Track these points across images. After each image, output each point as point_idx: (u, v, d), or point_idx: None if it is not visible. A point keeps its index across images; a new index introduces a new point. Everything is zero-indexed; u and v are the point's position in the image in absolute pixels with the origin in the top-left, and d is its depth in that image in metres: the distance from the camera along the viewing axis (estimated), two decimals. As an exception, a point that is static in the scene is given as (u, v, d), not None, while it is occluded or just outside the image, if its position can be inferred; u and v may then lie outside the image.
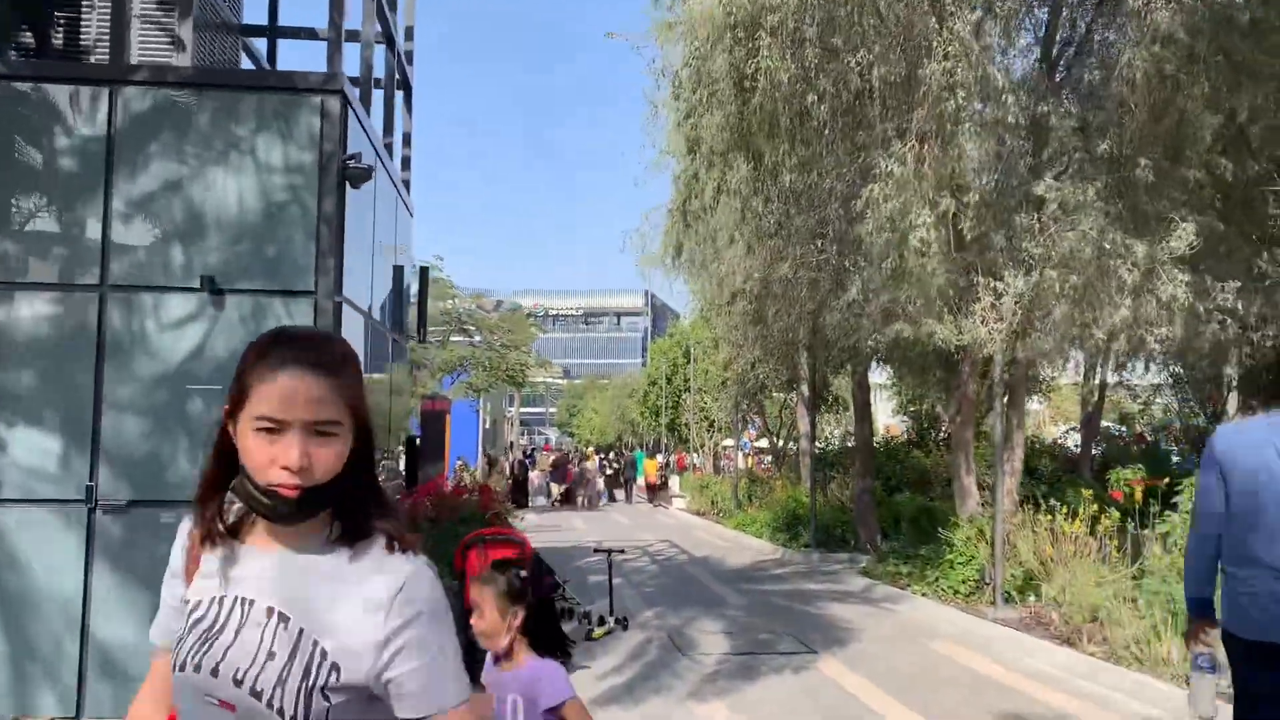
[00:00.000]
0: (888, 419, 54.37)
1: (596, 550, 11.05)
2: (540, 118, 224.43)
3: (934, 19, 8.96)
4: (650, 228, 18.36)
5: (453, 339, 28.52)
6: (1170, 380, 25.59)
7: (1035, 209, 10.27)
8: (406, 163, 11.69)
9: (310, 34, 11.04)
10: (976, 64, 8.88)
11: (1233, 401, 24.94)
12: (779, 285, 12.55)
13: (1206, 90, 8.54)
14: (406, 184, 11.65)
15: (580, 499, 32.39)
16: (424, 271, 11.34)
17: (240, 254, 7.18)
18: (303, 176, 7.24)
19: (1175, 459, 23.53)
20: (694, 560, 17.41)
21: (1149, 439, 25.93)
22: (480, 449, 36.57)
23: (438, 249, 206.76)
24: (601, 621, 10.29)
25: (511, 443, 73.29)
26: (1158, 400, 28.91)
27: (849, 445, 32.25)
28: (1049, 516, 10.88)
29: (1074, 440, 28.84)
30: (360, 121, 7.87)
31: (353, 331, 7.98)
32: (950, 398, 12.84)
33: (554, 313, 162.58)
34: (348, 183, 7.35)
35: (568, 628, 10.65)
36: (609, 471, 35.64)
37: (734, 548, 19.67)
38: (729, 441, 38.07)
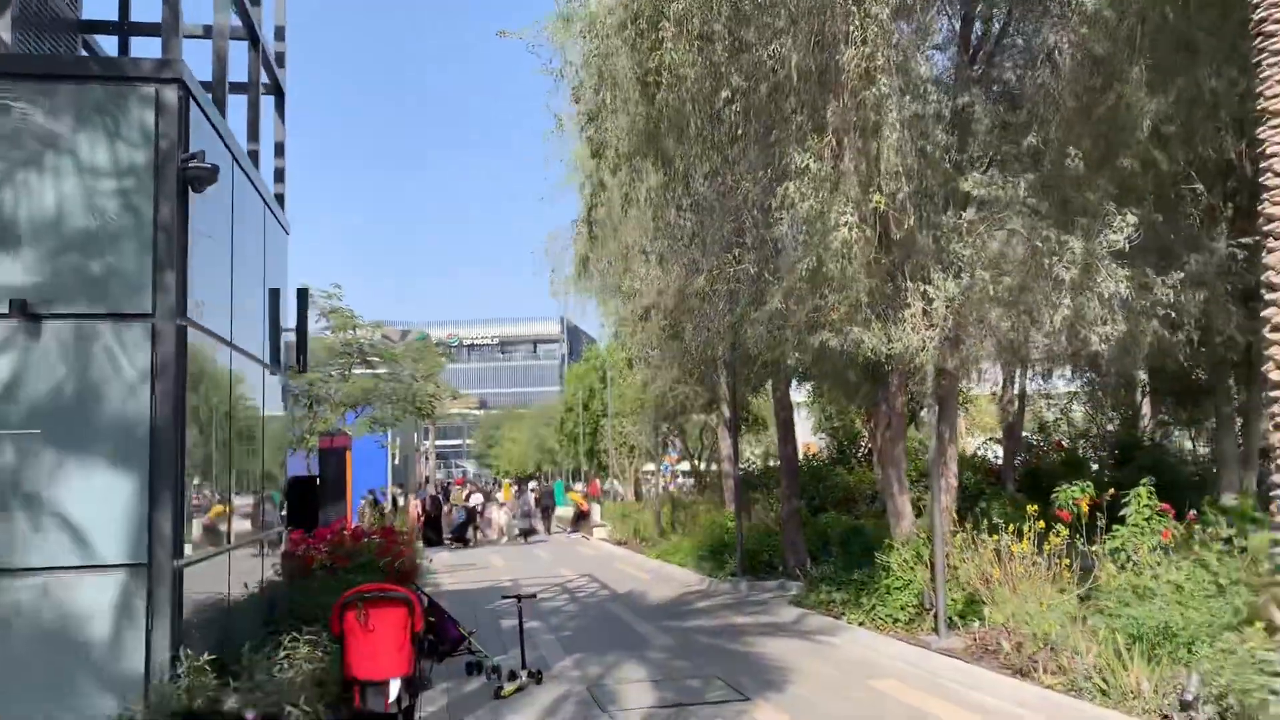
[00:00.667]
0: (807, 437, 54.25)
1: (505, 597, 9.96)
2: (440, 135, 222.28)
3: (850, 1, 8.27)
4: (559, 247, 17.51)
5: (355, 371, 27.08)
6: (1085, 387, 25.60)
7: (961, 207, 9.66)
8: (280, 175, 10.59)
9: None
10: (897, 48, 8.20)
11: (1147, 406, 25.06)
12: (695, 299, 11.75)
13: (1143, 72, 7.99)
14: (280, 198, 10.53)
15: (476, 536, 31.06)
16: (302, 295, 10.22)
17: (60, 271, 6.06)
18: (135, 179, 6.17)
19: (1094, 466, 23.46)
20: (616, 596, 16.42)
21: (1066, 446, 25.87)
22: (389, 485, 35.01)
23: (343, 279, 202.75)
24: (512, 676, 9.24)
25: (426, 478, 71.34)
26: (1074, 408, 28.94)
27: (771, 465, 31.73)
28: (994, 536, 10.20)
29: (993, 452, 28.72)
30: (208, 118, 6.80)
31: (204, 359, 6.86)
32: (877, 412, 12.14)
33: (469, 342, 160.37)
34: (190, 186, 6.28)
35: (475, 684, 9.60)
36: (533, 501, 34.37)
37: (658, 580, 18.74)
38: (650, 466, 37.25)
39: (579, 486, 39.28)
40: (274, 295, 10.11)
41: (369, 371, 27.58)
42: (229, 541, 7.44)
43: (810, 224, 8.57)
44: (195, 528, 6.60)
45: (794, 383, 31.62)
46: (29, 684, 5.64)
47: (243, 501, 8.14)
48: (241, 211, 8.09)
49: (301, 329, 10.22)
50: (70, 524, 5.83)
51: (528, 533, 31.58)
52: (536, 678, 9.37)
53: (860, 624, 11.46)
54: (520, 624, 9.59)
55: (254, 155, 9.29)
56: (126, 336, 6.03)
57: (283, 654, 6.83)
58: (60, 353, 5.95)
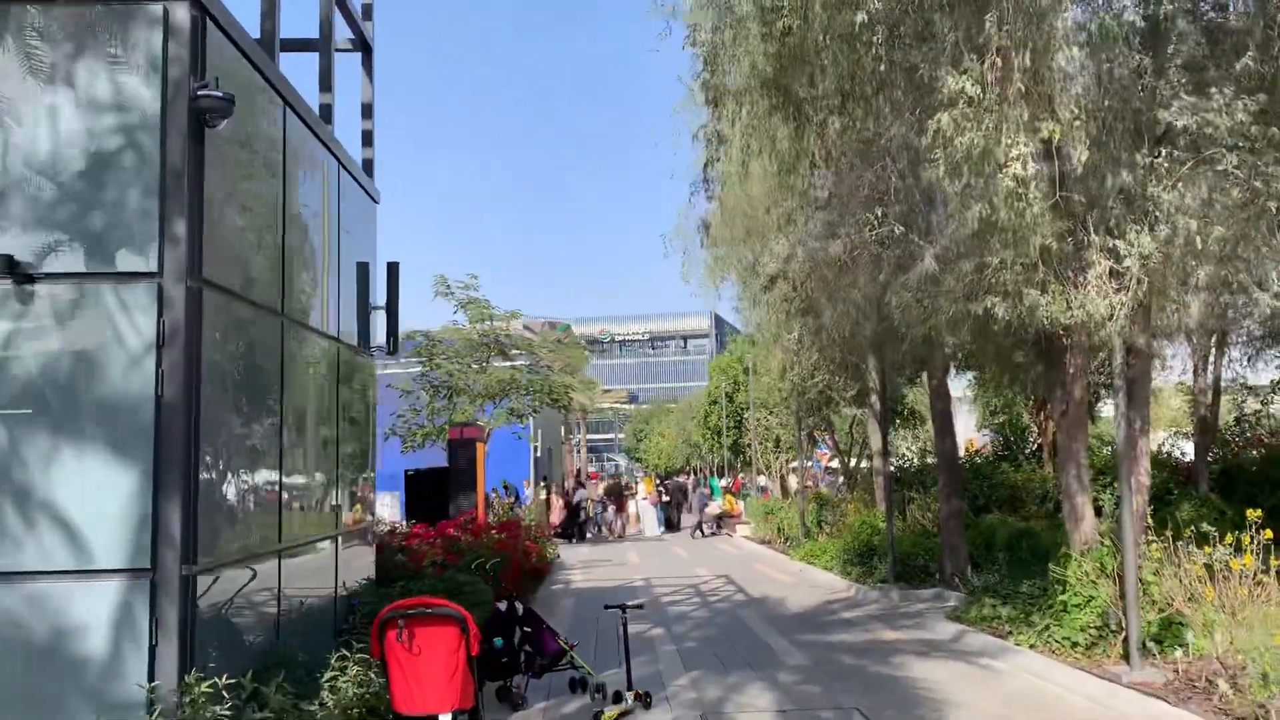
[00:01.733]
0: (969, 433, 51.22)
1: (608, 606, 8.75)
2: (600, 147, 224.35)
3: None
4: (690, 226, 16.21)
5: (496, 364, 26.58)
6: (1287, 373, 22.53)
7: (1158, 142, 7.84)
8: (368, 138, 9.69)
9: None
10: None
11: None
12: (829, 269, 10.22)
13: None
14: (369, 164, 9.63)
15: (590, 532, 30.03)
16: (393, 270, 9.28)
17: (52, 225, 5.17)
18: (139, 113, 5.21)
19: (1304, 466, 20.50)
20: (750, 601, 15.02)
21: (1267, 442, 22.81)
22: (532, 478, 34.55)
23: (500, 274, 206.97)
24: (617, 698, 8.03)
25: (578, 471, 71.42)
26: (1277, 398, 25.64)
27: (929, 462, 29.54)
28: (1206, 548, 8.32)
29: (1179, 448, 25.77)
30: (235, 41, 5.81)
31: (240, 329, 5.89)
32: (1051, 400, 10.33)
33: (620, 338, 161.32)
34: (202, 121, 5.30)
35: (576, 704, 8.45)
36: (664, 499, 33.19)
37: (799, 584, 17.21)
38: (806, 462, 35.54)
39: (723, 482, 37.92)
40: (361, 270, 9.23)
41: (507, 364, 27.03)
42: (279, 540, 6.49)
43: (971, 163, 6.98)
44: (227, 527, 5.63)
45: (953, 372, 29.44)
46: (6, 708, 4.77)
47: (303, 496, 7.20)
48: (301, 166, 7.15)
49: (392, 306, 9.28)
50: (58, 521, 4.94)
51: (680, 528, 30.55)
52: (644, 700, 8.13)
53: (1030, 646, 9.71)
54: (624, 639, 8.36)
55: (327, 110, 8.40)
56: (128, 299, 5.10)
57: (328, 676, 5.81)
58: (54, 318, 5.07)
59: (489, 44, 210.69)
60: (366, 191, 9.13)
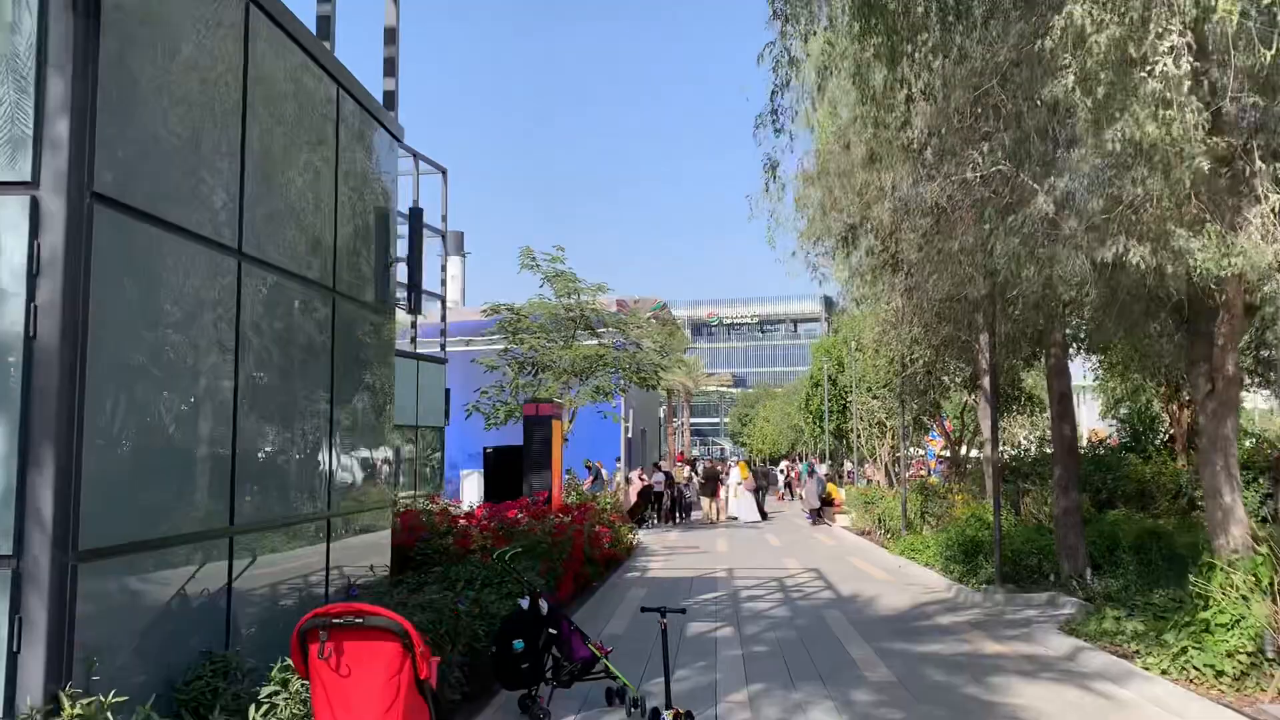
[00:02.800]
0: (1092, 423, 48.06)
1: (645, 609, 7.46)
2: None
3: None
4: (779, 185, 14.79)
5: (586, 342, 25.57)
6: None
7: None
8: (390, 66, 8.59)
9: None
10: None
11: None
12: (926, 215, 8.69)
13: None
14: (390, 97, 8.53)
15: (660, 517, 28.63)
16: (415, 217, 8.17)
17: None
18: (14, -15, 4.15)
19: None
20: (837, 600, 13.58)
21: None
22: (623, 459, 33.51)
23: (613, 256, 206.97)
24: (655, 716, 6.78)
25: (681, 454, 70.31)
26: None
27: (1046, 452, 27.38)
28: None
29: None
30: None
31: (152, 258, 4.82)
32: (1193, 376, 8.60)
33: (728, 321, 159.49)
34: (96, -8, 4.20)
35: (613, 718, 7.25)
36: (751, 488, 31.58)
37: (895, 582, 15.64)
38: (918, 450, 33.52)
39: (824, 468, 36.13)
40: (380, 217, 8.16)
41: (595, 341, 25.97)
42: (229, 522, 5.43)
43: (1110, 66, 5.44)
44: (136, 505, 4.58)
45: (1074, 354, 27.15)
46: None
47: (272, 468, 6.14)
48: (277, 76, 6.06)
49: (414, 259, 8.19)
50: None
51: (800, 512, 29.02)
52: (685, 720, 6.86)
53: (1162, 672, 8.07)
54: (665, 649, 7.08)
55: (325, 22, 7.34)
56: (-6, 215, 4.06)
57: (267, 692, 4.71)
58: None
59: (593, 43, 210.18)
60: (384, 125, 8.03)
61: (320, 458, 6.95)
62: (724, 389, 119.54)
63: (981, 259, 7.70)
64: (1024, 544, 14.93)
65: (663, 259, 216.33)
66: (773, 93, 7.68)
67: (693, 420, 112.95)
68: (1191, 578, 8.48)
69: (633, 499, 27.97)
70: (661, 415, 61.94)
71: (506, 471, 20.37)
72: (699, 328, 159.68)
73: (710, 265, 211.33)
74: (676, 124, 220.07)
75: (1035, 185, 6.91)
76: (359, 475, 7.85)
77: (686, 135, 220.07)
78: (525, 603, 7.34)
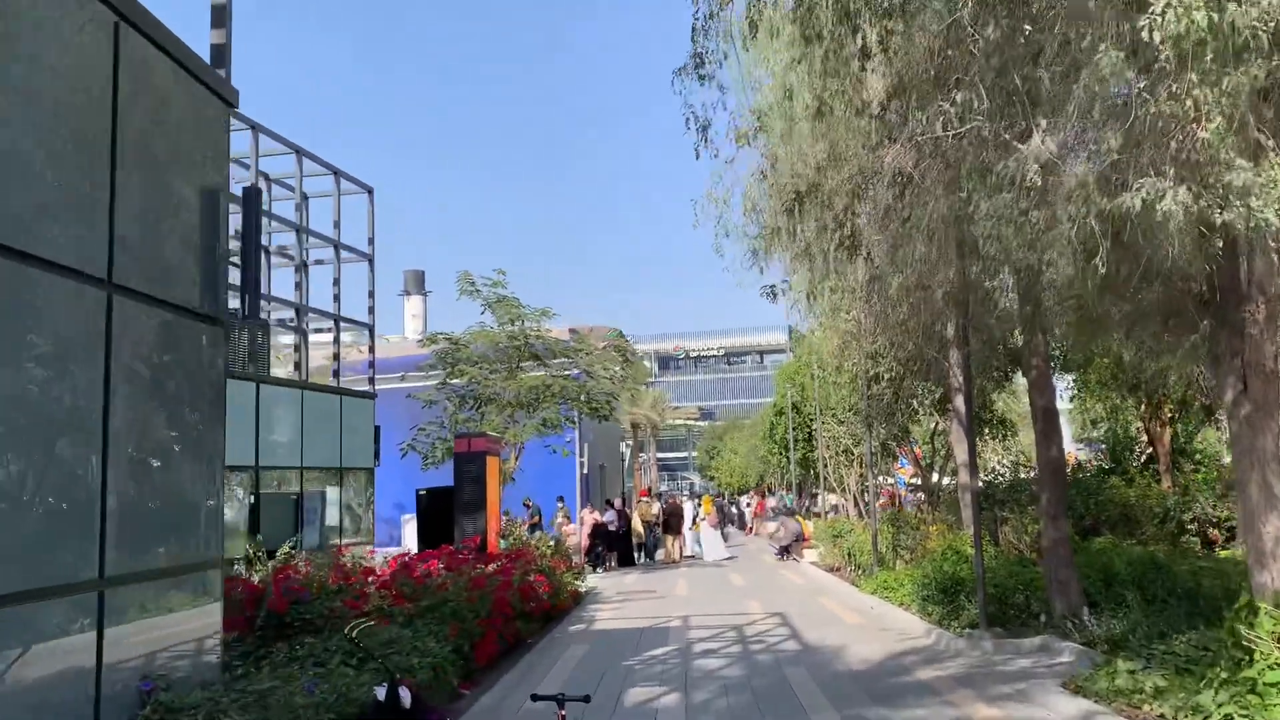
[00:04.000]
0: (1066, 446, 46.71)
1: (535, 697, 5.69)
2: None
3: None
4: (723, 189, 13.34)
5: (529, 369, 23.84)
6: None
7: None
8: (219, 16, 6.93)
9: None
10: None
11: None
12: (888, 186, 7.15)
13: None
14: (220, 52, 6.86)
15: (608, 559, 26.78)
16: (251, 199, 6.49)
17: None
18: None
19: None
20: (803, 652, 11.88)
21: None
22: (580, 497, 31.69)
23: (580, 294, 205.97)
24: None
25: (649, 489, 68.46)
26: None
27: (1022, 477, 25.92)
28: None
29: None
30: None
31: None
32: (1219, 371, 7.05)
33: (695, 354, 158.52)
34: None
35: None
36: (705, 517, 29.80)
37: (867, 626, 13.98)
38: (887, 479, 31.97)
39: (771, 501, 34.58)
40: (207, 202, 6.46)
41: (542, 371, 24.25)
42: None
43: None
44: None
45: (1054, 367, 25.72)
46: None
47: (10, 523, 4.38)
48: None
49: (248, 255, 6.49)
50: None
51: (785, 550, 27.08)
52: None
53: (1200, 744, 6.46)
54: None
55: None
56: None
57: None
58: None
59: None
60: (204, 82, 6.37)
61: (87, 510, 5.17)
62: (691, 422, 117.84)
63: (955, 233, 6.13)
64: (1007, 578, 13.37)
65: (627, 296, 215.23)
66: (694, 31, 6.12)
67: (660, 455, 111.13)
68: (1234, 624, 6.87)
69: (584, 540, 26.18)
70: (624, 450, 60.16)
71: (441, 515, 18.56)
72: (665, 361, 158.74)
73: (676, 301, 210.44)
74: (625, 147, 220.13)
75: (1031, 123, 5.36)
76: (166, 528, 6.07)
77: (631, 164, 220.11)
78: (382, 691, 5.61)
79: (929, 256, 7.94)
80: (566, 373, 24.59)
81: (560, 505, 25.73)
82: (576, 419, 25.54)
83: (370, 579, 10.38)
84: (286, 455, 17.99)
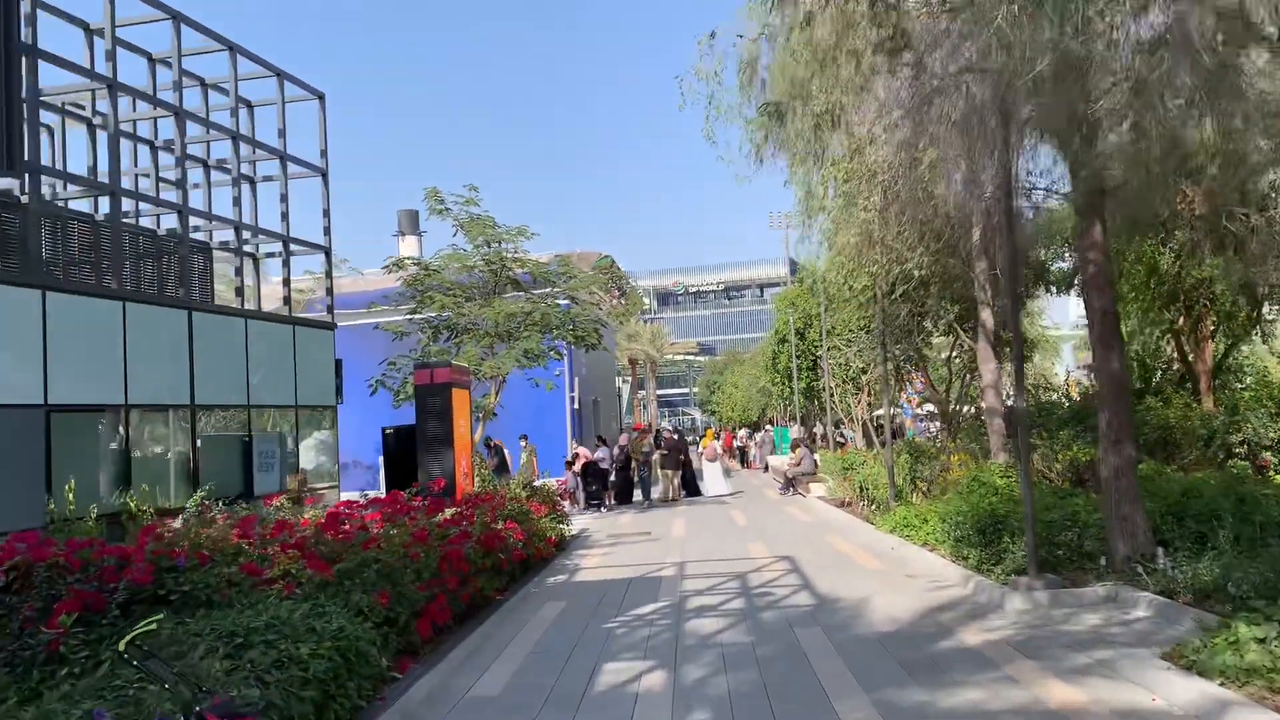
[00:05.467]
0: (1079, 373, 44.75)
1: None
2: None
3: None
4: (718, 54, 11.29)
5: (506, 294, 21.71)
6: None
7: None
8: None
9: None
10: None
11: None
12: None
13: None
14: None
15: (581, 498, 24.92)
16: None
17: None
18: None
19: None
20: (818, 607, 9.97)
21: None
22: (571, 436, 29.79)
23: (583, 234, 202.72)
24: None
25: (640, 423, 66.65)
26: None
27: (1043, 400, 23.92)
28: None
29: None
30: None
31: None
32: None
33: (694, 289, 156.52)
34: None
35: None
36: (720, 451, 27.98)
37: (890, 573, 12.08)
38: (894, 408, 30.00)
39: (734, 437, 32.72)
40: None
41: (520, 296, 22.13)
42: None
43: None
44: None
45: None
46: None
47: None
48: None
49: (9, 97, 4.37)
50: None
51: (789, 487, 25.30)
52: None
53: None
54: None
55: None
56: None
57: None
58: None
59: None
60: None
61: None
62: (690, 357, 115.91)
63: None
64: (1047, 511, 11.42)
65: (624, 225, 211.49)
66: None
67: (660, 391, 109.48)
68: None
69: (567, 479, 24.32)
70: (621, 385, 58.12)
71: (408, 456, 16.59)
72: (665, 297, 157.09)
73: (674, 234, 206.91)
74: (641, 94, 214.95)
75: None
76: None
77: (648, 102, 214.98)
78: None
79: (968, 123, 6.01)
80: (551, 300, 22.46)
81: (524, 444, 23.54)
82: (564, 350, 23.46)
83: (287, 534, 8.39)
84: (230, 392, 15.98)
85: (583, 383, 31.99)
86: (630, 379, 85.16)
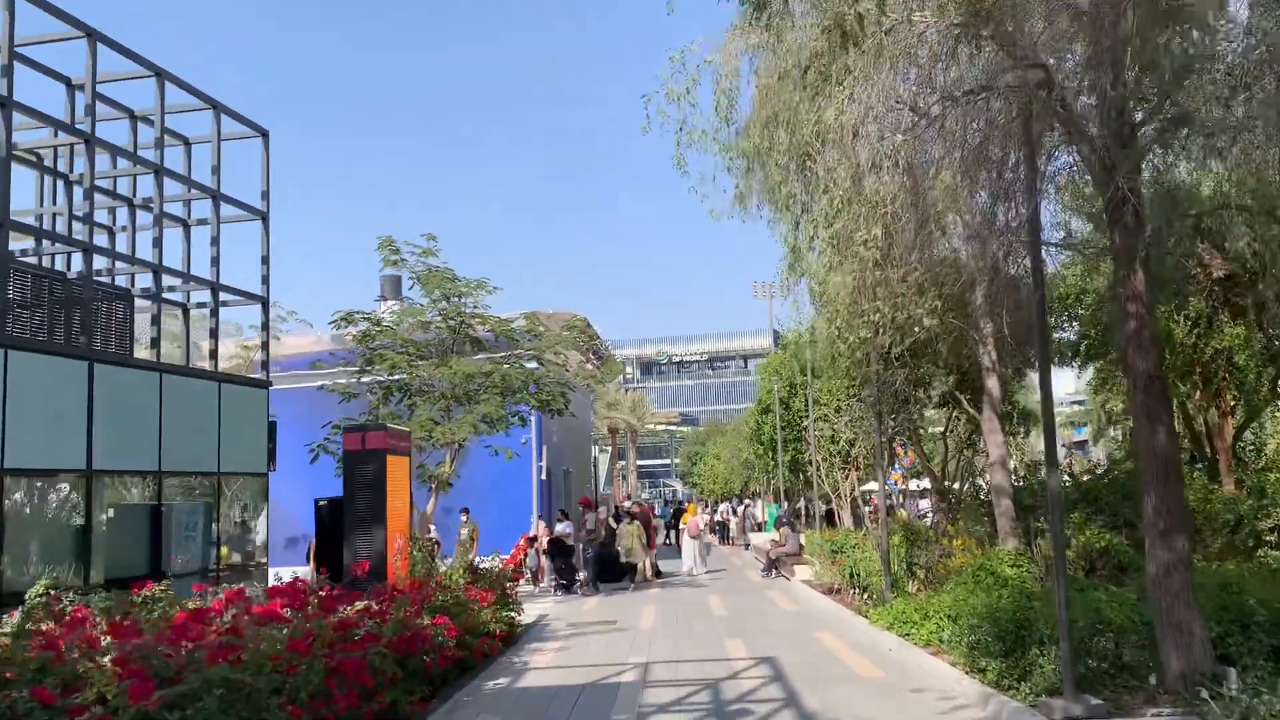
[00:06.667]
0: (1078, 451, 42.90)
1: None
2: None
3: None
4: (690, 72, 9.85)
5: (463, 354, 19.94)
6: None
7: None
8: None
9: None
10: None
11: None
12: None
13: None
14: None
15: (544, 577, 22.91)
16: None
17: None
18: None
19: None
20: (806, 736, 8.06)
21: None
22: (536, 511, 27.76)
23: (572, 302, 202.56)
24: None
25: (628, 499, 64.42)
26: None
27: (1043, 478, 22.07)
28: None
29: None
30: None
31: None
32: None
33: (677, 359, 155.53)
34: None
35: None
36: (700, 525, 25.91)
37: (890, 685, 10.16)
38: (872, 485, 28.16)
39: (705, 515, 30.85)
40: None
41: (482, 357, 20.36)
42: None
43: None
44: None
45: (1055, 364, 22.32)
46: None
47: None
48: None
49: None
50: None
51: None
52: None
53: None
54: None
55: None
56: None
57: None
58: None
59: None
60: None
61: None
62: (672, 427, 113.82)
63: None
64: (1080, 613, 9.57)
65: (608, 297, 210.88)
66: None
67: (641, 462, 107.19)
68: None
69: (541, 560, 22.30)
70: (599, 455, 56.11)
71: (342, 532, 14.63)
72: (648, 366, 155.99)
73: (658, 304, 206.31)
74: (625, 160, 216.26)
75: None
76: None
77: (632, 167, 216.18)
78: None
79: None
80: (517, 361, 20.66)
81: (465, 519, 21.37)
82: (528, 416, 21.61)
83: (111, 641, 6.46)
84: (138, 456, 14.04)
85: (552, 451, 30.05)
86: (610, 449, 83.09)
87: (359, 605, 9.15)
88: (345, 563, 12.51)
